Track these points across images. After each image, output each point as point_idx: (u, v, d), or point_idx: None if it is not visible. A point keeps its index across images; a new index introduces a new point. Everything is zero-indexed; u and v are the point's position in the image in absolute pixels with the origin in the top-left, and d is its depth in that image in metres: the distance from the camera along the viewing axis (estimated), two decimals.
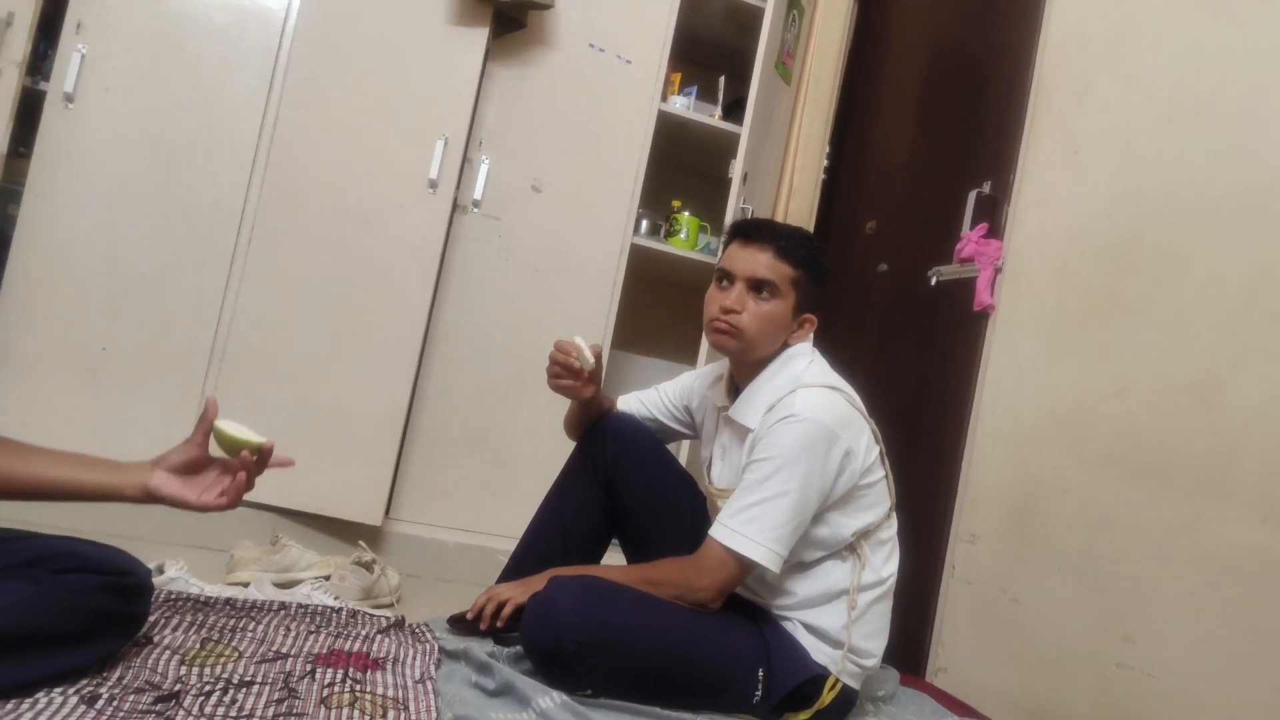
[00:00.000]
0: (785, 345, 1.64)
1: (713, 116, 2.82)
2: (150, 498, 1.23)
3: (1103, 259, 1.89)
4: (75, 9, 2.20)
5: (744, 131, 2.62)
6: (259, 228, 2.32)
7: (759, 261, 1.58)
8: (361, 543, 2.16)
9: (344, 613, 1.70)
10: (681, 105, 2.78)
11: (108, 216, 2.22)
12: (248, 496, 2.20)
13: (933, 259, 2.41)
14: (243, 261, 2.31)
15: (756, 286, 1.59)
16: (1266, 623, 1.40)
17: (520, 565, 1.80)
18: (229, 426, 1.29)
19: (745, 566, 1.50)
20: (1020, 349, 2.07)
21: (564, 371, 1.71)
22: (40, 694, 1.07)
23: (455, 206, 2.49)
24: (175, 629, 1.41)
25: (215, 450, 1.31)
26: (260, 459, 1.31)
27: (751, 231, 1.62)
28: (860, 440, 1.55)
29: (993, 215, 2.24)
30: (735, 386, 1.70)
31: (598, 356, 1.72)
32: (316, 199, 2.35)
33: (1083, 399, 1.85)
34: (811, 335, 1.68)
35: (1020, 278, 2.12)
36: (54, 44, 2.22)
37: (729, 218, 2.61)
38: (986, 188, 2.28)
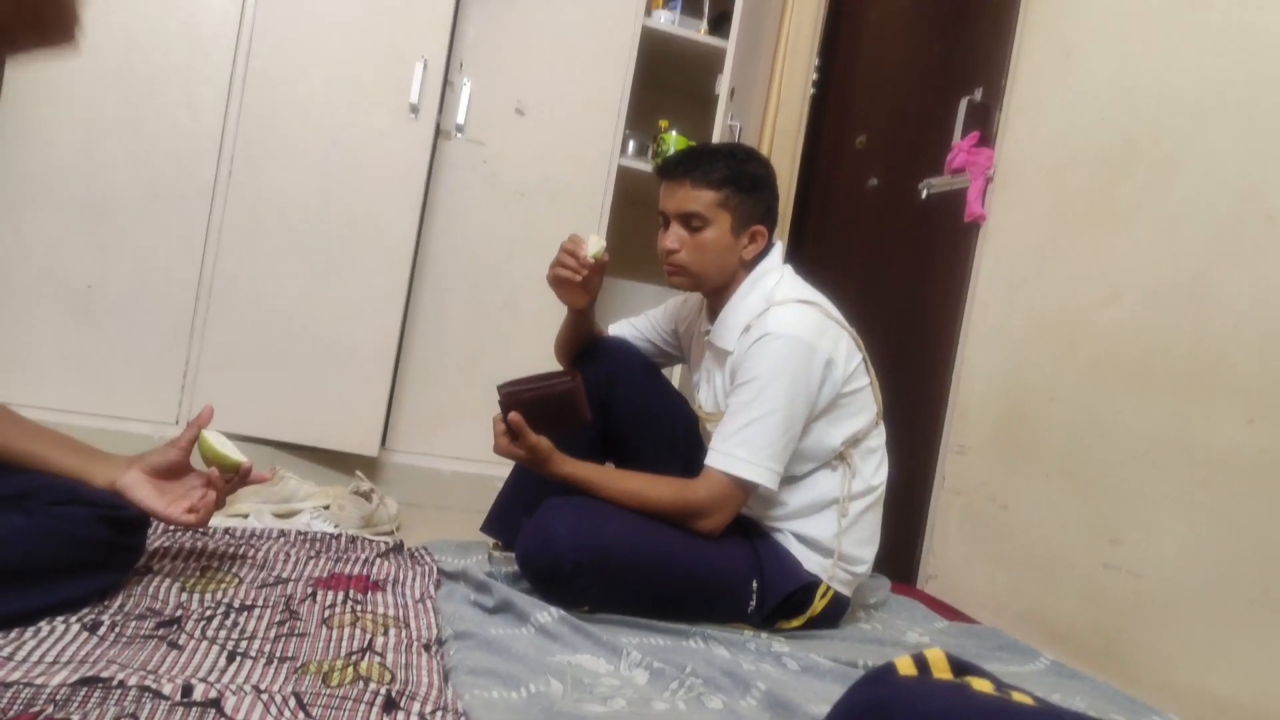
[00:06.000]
0: (743, 263, 1.64)
1: (698, 31, 2.75)
2: (119, 494, 1.22)
3: (1095, 164, 1.86)
4: None
5: (730, 46, 2.56)
6: (239, 158, 2.28)
7: (679, 196, 1.61)
8: (358, 472, 2.18)
9: (343, 538, 1.72)
10: (666, 20, 2.70)
11: (84, 149, 2.18)
12: (246, 429, 2.24)
13: (924, 171, 2.38)
14: (224, 193, 2.28)
15: (686, 220, 1.61)
16: (1251, 520, 1.43)
17: (515, 491, 1.82)
18: (214, 439, 1.31)
19: (746, 489, 1.52)
20: (1011, 259, 2.06)
21: (568, 258, 1.66)
22: (43, 623, 1.09)
23: (438, 132, 2.44)
24: (175, 558, 1.42)
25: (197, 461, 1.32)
26: (235, 478, 1.32)
27: (668, 169, 1.64)
28: (839, 348, 1.56)
29: (984, 123, 2.21)
30: (713, 310, 1.70)
31: (604, 262, 1.68)
32: (296, 127, 2.30)
33: (1073, 307, 1.85)
34: (775, 249, 1.68)
35: (1011, 186, 2.10)
36: None
37: (716, 135, 2.58)
38: (978, 95, 2.24)
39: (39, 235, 2.17)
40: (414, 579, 1.52)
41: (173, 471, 1.29)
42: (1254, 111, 1.53)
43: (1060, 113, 1.98)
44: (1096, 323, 1.78)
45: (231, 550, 1.52)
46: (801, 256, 2.94)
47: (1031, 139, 2.06)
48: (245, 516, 1.87)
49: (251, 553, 1.53)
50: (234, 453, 1.32)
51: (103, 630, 1.10)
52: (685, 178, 1.60)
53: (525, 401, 1.51)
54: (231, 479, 1.33)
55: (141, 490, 1.24)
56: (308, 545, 1.64)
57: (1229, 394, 1.49)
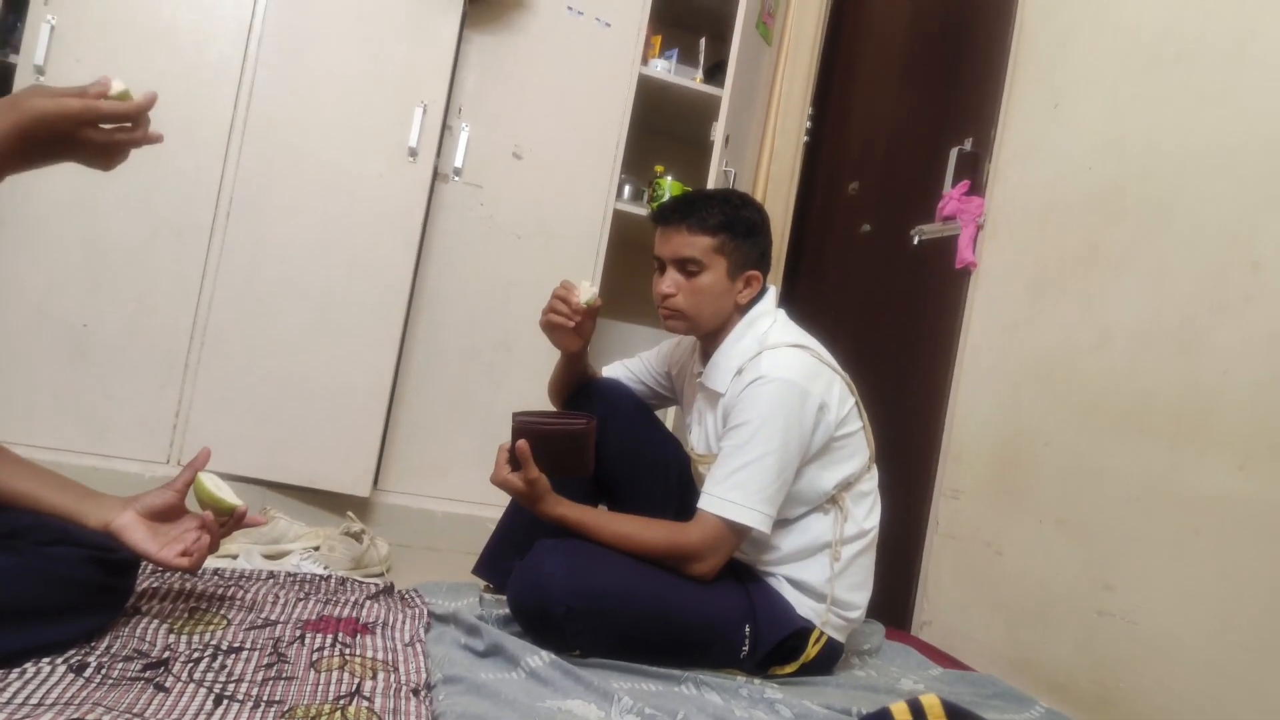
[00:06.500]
0: (738, 307, 1.66)
1: (694, 79, 2.79)
2: (112, 536, 1.21)
3: (1084, 211, 1.89)
4: None
5: (725, 94, 2.60)
6: (238, 200, 2.30)
7: (676, 242, 1.63)
8: (350, 513, 2.17)
9: (333, 580, 1.71)
10: (662, 68, 2.75)
11: (83, 189, 2.20)
12: (238, 469, 2.23)
13: (915, 218, 2.41)
14: (222, 234, 2.29)
15: (682, 265, 1.63)
16: (1245, 566, 1.42)
17: (507, 533, 1.81)
18: (210, 481, 1.31)
19: (739, 533, 1.52)
20: (1002, 304, 2.08)
21: (560, 304, 1.69)
22: (28, 664, 1.08)
23: (436, 175, 2.47)
24: (163, 599, 1.41)
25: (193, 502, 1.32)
26: (230, 521, 1.32)
27: (664, 214, 1.66)
28: (832, 392, 1.57)
29: (974, 172, 2.24)
30: (706, 352, 1.71)
31: (596, 307, 1.71)
32: (295, 170, 2.33)
33: (1064, 352, 1.86)
34: (769, 293, 1.70)
35: (1002, 233, 2.12)
36: (22, 16, 2.18)
37: (711, 180, 2.61)
38: (968, 144, 2.27)
39: (36, 274, 2.18)
40: (404, 621, 1.51)
41: (168, 514, 1.28)
42: (1239, 161, 1.56)
43: (1049, 162, 2.01)
44: (1088, 368, 1.79)
45: (220, 591, 1.51)
46: (795, 301, 2.96)
47: (1021, 187, 2.09)
48: (235, 557, 1.86)
49: (240, 594, 1.51)
50: (230, 496, 1.32)
51: (89, 672, 1.09)
52: (682, 223, 1.62)
53: (536, 433, 1.51)
54: (226, 522, 1.32)
55: (136, 532, 1.23)
56: (297, 587, 1.63)
57: (1220, 440, 1.50)
